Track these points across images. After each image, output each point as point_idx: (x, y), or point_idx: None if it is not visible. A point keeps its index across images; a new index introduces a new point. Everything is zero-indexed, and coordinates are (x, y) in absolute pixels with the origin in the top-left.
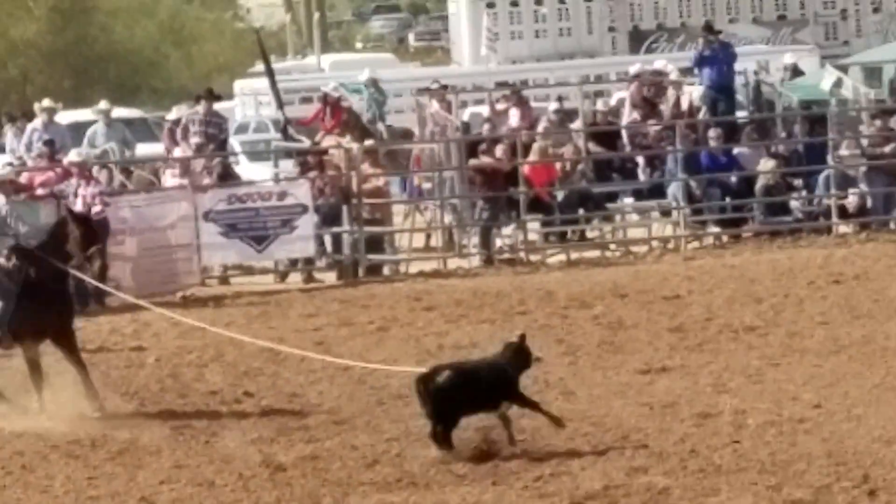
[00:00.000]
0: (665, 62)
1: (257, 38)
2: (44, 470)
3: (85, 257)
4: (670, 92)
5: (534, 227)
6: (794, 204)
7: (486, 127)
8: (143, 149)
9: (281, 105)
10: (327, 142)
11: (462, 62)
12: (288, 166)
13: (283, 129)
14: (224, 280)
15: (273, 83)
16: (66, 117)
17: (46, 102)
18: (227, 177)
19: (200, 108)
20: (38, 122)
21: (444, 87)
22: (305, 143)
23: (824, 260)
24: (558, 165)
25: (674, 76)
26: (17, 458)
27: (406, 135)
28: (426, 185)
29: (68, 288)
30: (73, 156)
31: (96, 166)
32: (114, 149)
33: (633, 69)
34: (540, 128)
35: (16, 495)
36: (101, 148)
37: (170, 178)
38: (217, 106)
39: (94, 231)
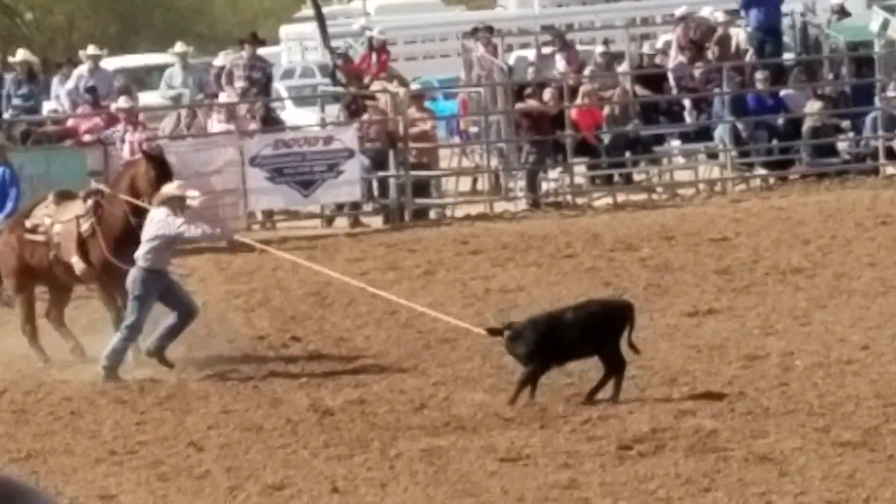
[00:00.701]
0: (711, 9)
1: None
2: (92, 415)
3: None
4: (718, 33)
5: (580, 170)
6: (841, 145)
7: (531, 70)
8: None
9: (331, 50)
10: (374, 87)
11: (507, 5)
12: (334, 111)
13: (331, 74)
14: (270, 224)
15: (323, 27)
16: (112, 63)
17: (91, 49)
18: (270, 121)
19: (245, 52)
20: (83, 69)
21: (490, 29)
22: (352, 88)
23: (871, 201)
24: (606, 109)
25: (721, 18)
26: (65, 403)
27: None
28: (472, 129)
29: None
30: (121, 102)
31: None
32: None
33: (679, 11)
34: (586, 71)
35: (65, 441)
36: (177, 91)
37: (216, 124)
38: (263, 51)
39: (168, 171)
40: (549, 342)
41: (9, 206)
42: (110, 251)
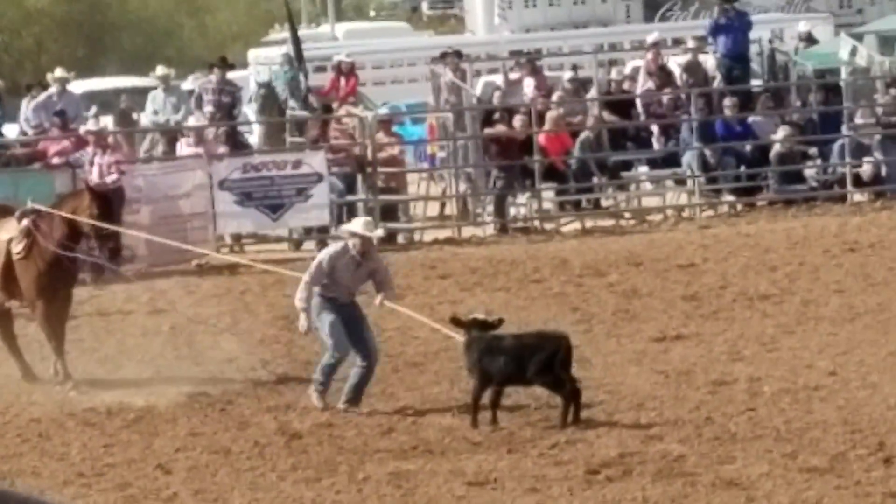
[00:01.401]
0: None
1: (285, 5)
2: (60, 437)
3: (99, 235)
4: (687, 59)
5: (548, 195)
6: (808, 172)
7: (499, 96)
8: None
9: (305, 73)
10: (342, 111)
11: (476, 31)
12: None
13: (304, 98)
14: (238, 248)
15: (298, 51)
16: (80, 86)
17: (59, 72)
18: (237, 145)
19: (214, 76)
20: (52, 92)
21: (459, 54)
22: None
23: (839, 228)
24: (582, 135)
25: (690, 44)
26: (33, 425)
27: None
28: (440, 154)
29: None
30: (89, 125)
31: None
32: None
33: (650, 38)
34: (555, 97)
35: (33, 462)
36: (165, 117)
37: (184, 147)
38: (231, 75)
39: (111, 210)
40: (487, 361)
41: None
42: (45, 273)
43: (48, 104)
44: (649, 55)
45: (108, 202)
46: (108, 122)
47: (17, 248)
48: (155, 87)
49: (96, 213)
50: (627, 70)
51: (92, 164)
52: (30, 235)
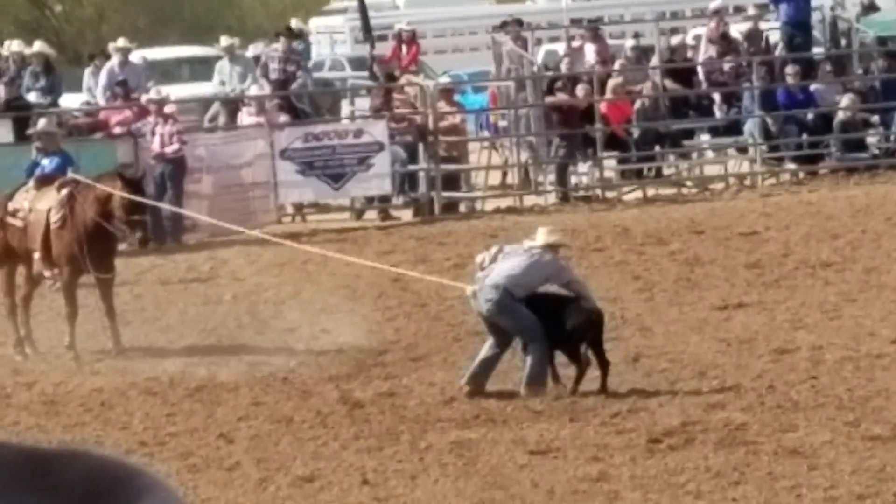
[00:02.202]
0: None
1: None
2: (123, 406)
3: (128, 222)
4: (748, 27)
5: (610, 164)
6: (870, 140)
7: (563, 63)
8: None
9: (372, 43)
10: (403, 80)
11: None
12: (365, 104)
13: (369, 67)
14: (300, 217)
15: (366, 21)
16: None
17: (121, 42)
18: (297, 114)
19: (279, 45)
20: (114, 62)
21: (520, 22)
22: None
23: None
24: (636, 103)
25: (751, 12)
26: (96, 394)
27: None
28: (502, 123)
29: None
30: (151, 93)
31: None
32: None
33: (713, 5)
34: (616, 65)
35: (95, 432)
36: (232, 87)
37: (246, 117)
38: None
39: (142, 196)
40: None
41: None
42: (77, 245)
43: (110, 74)
44: (712, 23)
45: (140, 191)
46: (169, 91)
47: (55, 217)
48: (217, 57)
49: (126, 200)
50: (689, 38)
51: (153, 133)
52: (67, 205)
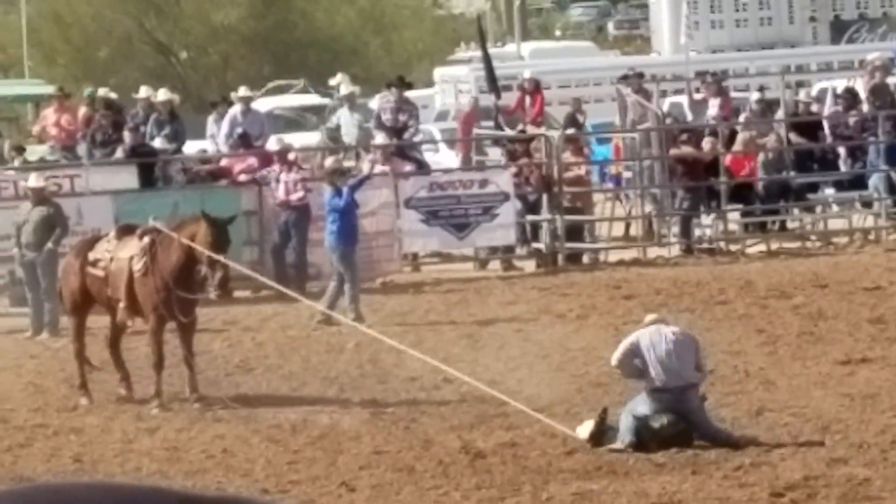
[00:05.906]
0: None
1: (478, 25)
2: (244, 454)
3: (211, 262)
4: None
5: (734, 216)
6: None
7: (687, 115)
8: None
9: (498, 93)
10: (530, 130)
11: (662, 51)
12: (495, 154)
13: (494, 117)
14: (418, 267)
15: (490, 70)
16: (265, 104)
17: (243, 91)
18: (416, 164)
19: (392, 95)
20: (236, 111)
21: (641, 75)
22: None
23: None
24: (760, 156)
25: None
26: (218, 441)
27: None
28: (626, 174)
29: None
30: (273, 143)
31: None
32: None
33: (870, 56)
34: (741, 118)
35: (217, 478)
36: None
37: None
38: (417, 94)
39: (226, 240)
40: None
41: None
42: (162, 291)
43: (233, 122)
44: (866, 76)
45: (224, 232)
46: (292, 139)
47: (137, 266)
48: (339, 105)
49: (210, 242)
50: (814, 92)
51: (278, 181)
52: (148, 253)
